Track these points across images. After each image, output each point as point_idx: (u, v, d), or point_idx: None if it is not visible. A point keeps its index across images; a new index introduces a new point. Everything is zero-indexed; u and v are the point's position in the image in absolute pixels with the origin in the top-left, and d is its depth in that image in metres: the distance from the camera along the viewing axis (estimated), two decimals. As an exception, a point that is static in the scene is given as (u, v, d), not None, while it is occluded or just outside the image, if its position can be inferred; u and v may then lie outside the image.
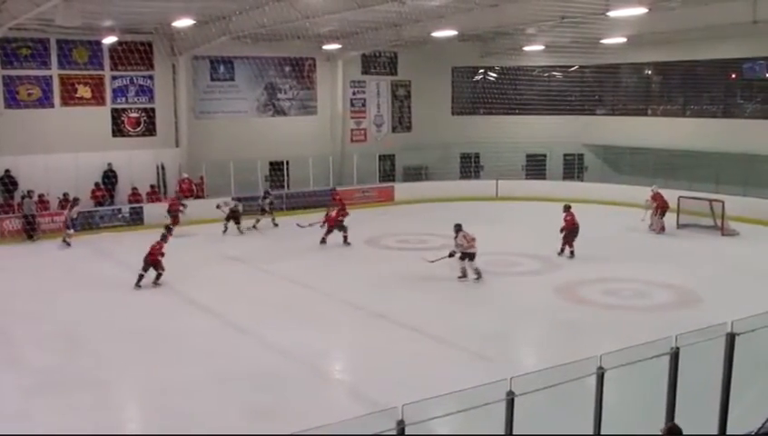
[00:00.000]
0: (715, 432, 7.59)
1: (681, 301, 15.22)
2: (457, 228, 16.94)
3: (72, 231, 21.11)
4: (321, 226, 21.06)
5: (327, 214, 21.63)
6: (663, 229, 22.00)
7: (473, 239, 16.73)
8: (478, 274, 16.75)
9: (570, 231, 18.93)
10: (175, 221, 21.96)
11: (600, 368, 6.53)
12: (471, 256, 16.73)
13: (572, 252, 18.86)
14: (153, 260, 16.59)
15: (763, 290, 15.13)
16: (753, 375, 8.60)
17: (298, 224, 22.06)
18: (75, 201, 21.93)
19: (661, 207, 22.18)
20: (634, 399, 8.83)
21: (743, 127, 25.39)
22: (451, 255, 16.89)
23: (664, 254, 19.56)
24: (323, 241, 20.71)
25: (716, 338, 7.47)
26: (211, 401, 10.36)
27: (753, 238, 21.26)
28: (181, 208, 22.84)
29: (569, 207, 19.35)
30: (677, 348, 7.08)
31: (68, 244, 20.86)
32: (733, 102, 27.31)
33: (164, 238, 17.21)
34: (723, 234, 21.59)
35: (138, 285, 16.33)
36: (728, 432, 7.59)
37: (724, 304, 13.68)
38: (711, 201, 22.17)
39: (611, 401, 6.81)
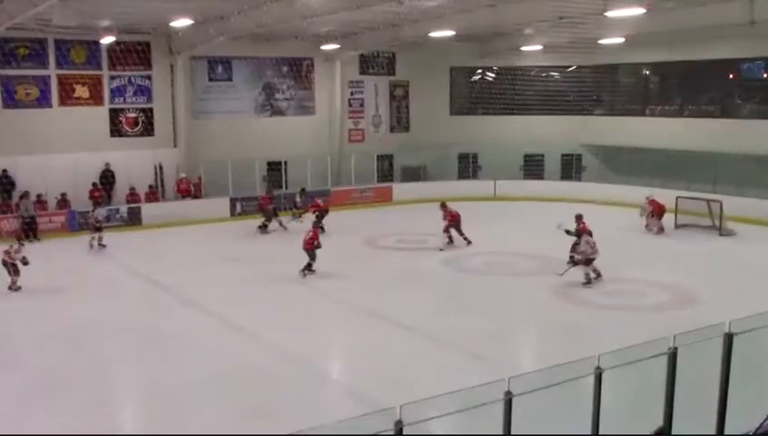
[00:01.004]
0: (713, 432, 7.60)
1: (679, 301, 15.22)
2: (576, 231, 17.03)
3: (99, 234, 20.47)
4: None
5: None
6: (662, 229, 22.01)
7: (594, 244, 16.56)
8: (598, 274, 16.47)
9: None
10: (268, 218, 22.68)
11: (598, 368, 6.53)
12: (590, 261, 16.47)
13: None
14: (309, 247, 17.18)
15: (761, 290, 15.15)
16: (751, 375, 8.60)
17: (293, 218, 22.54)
18: (98, 204, 21.88)
19: (657, 212, 22.19)
20: (631, 399, 8.84)
21: (741, 127, 25.40)
22: (576, 263, 16.60)
23: (662, 255, 19.57)
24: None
25: (714, 338, 7.48)
26: (209, 400, 10.37)
27: (751, 238, 21.28)
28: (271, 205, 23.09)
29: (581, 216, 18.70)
30: (675, 348, 7.09)
31: (103, 246, 20.35)
32: (730, 102, 27.31)
33: (319, 227, 18.14)
34: (720, 234, 21.60)
35: (306, 272, 17.19)
36: (726, 432, 7.60)
37: (722, 304, 13.70)
38: (709, 201, 22.18)
39: (609, 401, 6.81)
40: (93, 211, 21.04)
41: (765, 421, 7.34)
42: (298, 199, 23.88)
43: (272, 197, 23.50)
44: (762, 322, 7.65)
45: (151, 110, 25.70)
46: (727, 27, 21.44)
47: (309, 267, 17.35)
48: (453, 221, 20.31)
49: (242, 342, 12.92)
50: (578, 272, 17.49)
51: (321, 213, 22.44)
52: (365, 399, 10.25)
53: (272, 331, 13.37)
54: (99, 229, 20.53)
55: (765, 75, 26.23)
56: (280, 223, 22.74)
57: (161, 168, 25.47)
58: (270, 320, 14.06)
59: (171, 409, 10.14)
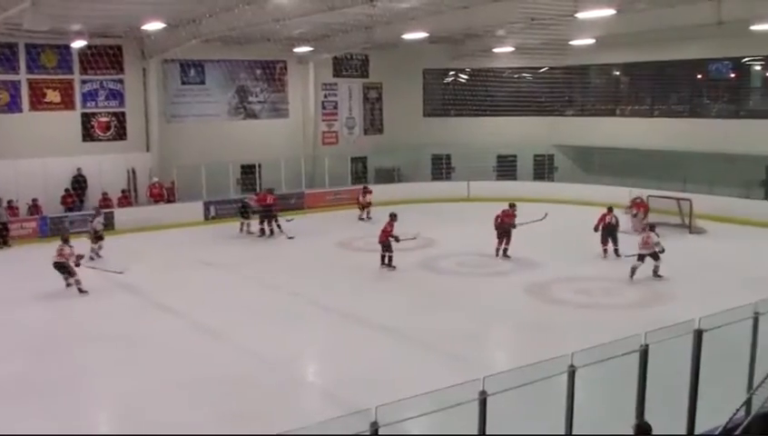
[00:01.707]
0: (684, 428, 7.72)
1: (650, 298, 15.42)
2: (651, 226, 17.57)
3: (99, 244, 19.66)
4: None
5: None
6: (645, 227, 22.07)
7: (647, 239, 16.97)
8: (654, 272, 16.79)
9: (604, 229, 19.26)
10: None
11: (571, 366, 6.60)
12: (644, 257, 16.83)
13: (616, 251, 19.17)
14: (383, 240, 17.86)
15: (730, 287, 15.39)
16: (721, 370, 8.75)
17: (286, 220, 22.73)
18: (98, 211, 20.86)
19: (645, 213, 22.32)
20: (604, 396, 8.95)
21: (709, 127, 25.76)
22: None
23: (632, 252, 19.76)
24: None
25: (684, 335, 7.60)
26: (184, 405, 10.32)
27: (720, 236, 21.61)
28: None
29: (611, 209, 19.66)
30: (646, 345, 7.19)
31: (100, 257, 19.34)
32: (699, 102, 27.71)
33: (394, 217, 18.32)
34: (690, 232, 21.91)
35: (391, 266, 17.88)
36: (696, 427, 7.73)
37: (692, 301, 13.90)
38: (679, 200, 22.49)
39: (583, 398, 6.89)
40: (91, 221, 20.17)
41: (734, 415, 7.47)
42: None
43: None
44: (730, 319, 7.79)
45: (123, 114, 25.49)
46: (695, 28, 21.76)
47: (390, 260, 17.98)
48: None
49: (217, 346, 12.88)
50: (550, 270, 17.72)
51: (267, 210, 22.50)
52: (340, 401, 10.27)
53: (247, 334, 13.34)
54: (100, 238, 19.74)
55: (733, 75, 26.67)
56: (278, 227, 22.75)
57: (133, 172, 25.27)
58: (245, 323, 14.01)
59: (145, 414, 10.07)
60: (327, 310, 15.02)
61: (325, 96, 30.47)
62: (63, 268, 16.16)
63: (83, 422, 10.05)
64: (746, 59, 25.74)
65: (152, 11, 19.83)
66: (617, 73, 30.37)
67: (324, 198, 27.84)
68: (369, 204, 25.40)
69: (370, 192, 25.94)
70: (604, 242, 19.34)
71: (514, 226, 19.04)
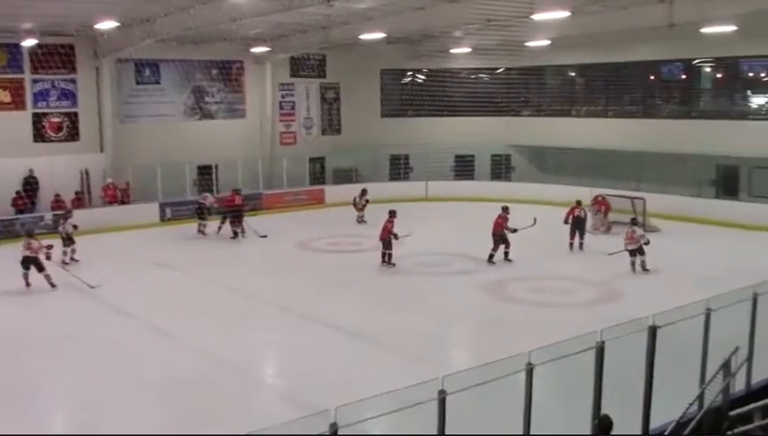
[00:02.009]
0: (639, 423, 7.85)
1: (605, 296, 15.66)
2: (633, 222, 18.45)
3: (72, 247, 19.05)
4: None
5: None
6: (609, 228, 22.42)
7: (631, 234, 17.58)
8: (642, 267, 17.38)
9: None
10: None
11: (529, 364, 6.67)
12: (634, 251, 17.43)
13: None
14: (385, 238, 18.13)
15: (683, 284, 15.72)
16: (674, 366, 8.91)
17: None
18: (68, 213, 20.11)
19: (606, 210, 22.67)
20: (562, 393, 9.06)
21: (662, 127, 26.26)
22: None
23: (588, 251, 20.09)
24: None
25: (639, 331, 7.73)
26: (141, 408, 10.18)
27: (673, 234, 22.02)
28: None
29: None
30: (602, 342, 7.30)
31: (76, 260, 18.89)
32: (651, 102, 28.20)
33: (394, 214, 18.61)
34: (644, 231, 22.24)
35: (390, 264, 18.16)
36: (651, 422, 7.86)
37: (646, 299, 14.15)
38: (632, 199, 22.84)
39: (541, 395, 6.97)
40: (62, 223, 19.38)
41: (688, 409, 7.62)
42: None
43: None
44: (683, 315, 7.95)
45: (76, 114, 25.01)
46: (648, 30, 22.15)
47: (389, 258, 18.20)
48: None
49: (175, 349, 12.73)
50: (507, 269, 17.91)
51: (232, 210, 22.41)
52: (300, 402, 10.21)
53: (205, 336, 13.19)
54: (71, 241, 19.08)
55: (684, 77, 27.21)
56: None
57: (87, 174, 24.81)
58: (203, 325, 13.85)
59: (102, 418, 9.90)
60: (285, 311, 14.93)
61: (282, 97, 30.31)
62: (33, 262, 16.05)
63: (40, 426, 9.83)
64: (697, 61, 26.28)
65: (105, 10, 19.51)
66: (572, 74, 30.78)
67: (282, 199, 27.69)
68: (365, 206, 24.76)
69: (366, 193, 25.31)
70: (571, 236, 20.01)
71: (512, 230, 18.65)
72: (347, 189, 28.74)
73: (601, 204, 22.74)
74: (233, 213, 22.51)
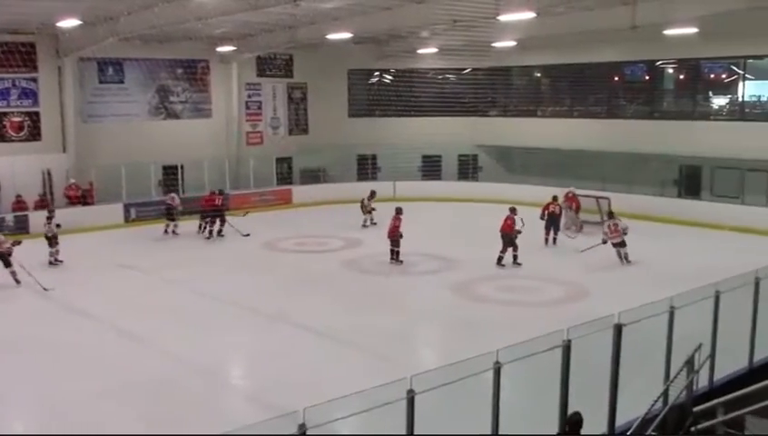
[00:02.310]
0: (605, 419, 7.93)
1: (571, 295, 15.80)
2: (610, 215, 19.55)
3: (56, 248, 18.83)
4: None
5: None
6: (580, 228, 22.59)
7: (614, 227, 18.54)
8: (625, 258, 18.32)
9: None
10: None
11: (497, 363, 6.70)
12: (618, 244, 18.35)
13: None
14: (393, 236, 18.51)
15: (646, 281, 15.93)
16: (639, 363, 9.03)
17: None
18: (51, 212, 19.70)
19: (577, 207, 22.87)
20: (530, 391, 9.12)
21: (626, 127, 26.58)
22: (604, 242, 18.68)
23: (554, 250, 20.29)
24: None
25: (605, 329, 7.80)
26: (104, 413, 10.01)
27: (637, 233, 22.23)
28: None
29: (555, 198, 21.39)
30: (569, 341, 7.36)
31: (60, 261, 18.81)
32: (616, 103, 28.55)
33: (400, 211, 18.93)
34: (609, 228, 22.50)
35: (398, 261, 18.50)
36: (617, 419, 7.94)
37: (611, 297, 14.30)
38: (597, 198, 23.09)
39: (509, 394, 7.00)
40: (47, 223, 19.05)
41: (653, 406, 7.72)
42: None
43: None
44: (648, 313, 8.05)
45: (37, 114, 24.58)
46: (611, 32, 22.42)
47: (397, 256, 18.57)
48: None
49: (140, 351, 12.56)
50: (474, 269, 17.96)
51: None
52: (268, 403, 10.16)
53: (171, 338, 13.06)
54: (56, 241, 18.86)
55: (647, 78, 27.59)
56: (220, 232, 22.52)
57: (49, 174, 24.40)
58: (168, 327, 13.71)
59: (61, 424, 9.73)
60: (252, 312, 14.83)
61: (249, 96, 30.12)
62: (0, 258, 16.49)
63: (4, 430, 9.65)
64: (659, 62, 26.68)
65: (67, 8, 19.21)
66: (538, 74, 31.04)
67: (249, 199, 27.50)
68: (373, 210, 24.17)
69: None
70: (546, 231, 20.71)
71: (517, 233, 18.45)
72: (315, 189, 28.78)
73: (571, 200, 22.92)
74: (214, 213, 22.39)
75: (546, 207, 21.04)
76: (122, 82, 26.61)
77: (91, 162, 24.70)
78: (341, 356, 12.32)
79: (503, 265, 18.20)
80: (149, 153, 25.60)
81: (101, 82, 26.15)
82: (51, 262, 18.67)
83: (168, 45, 26.04)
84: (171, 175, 26.59)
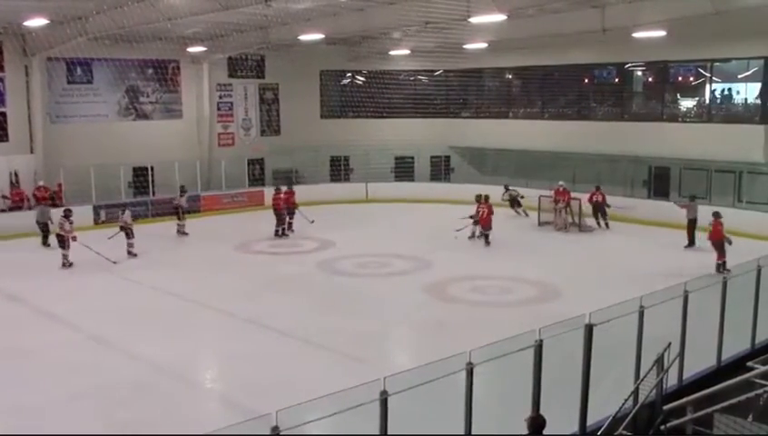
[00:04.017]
0: (577, 419, 7.99)
1: (543, 295, 15.91)
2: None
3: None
4: None
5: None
6: (568, 226, 22.80)
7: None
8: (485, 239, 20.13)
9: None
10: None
11: (469, 363, 6.72)
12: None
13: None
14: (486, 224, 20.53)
15: (617, 281, 16.07)
16: (610, 362, 9.11)
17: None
18: (125, 206, 21.12)
19: (568, 201, 23.01)
20: (503, 391, 9.15)
21: (596, 129, 26.83)
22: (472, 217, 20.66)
23: (526, 251, 20.41)
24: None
25: (576, 329, 7.86)
26: (72, 418, 9.87)
27: (607, 233, 22.56)
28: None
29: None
30: (541, 341, 7.41)
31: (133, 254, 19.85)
32: (586, 105, 28.80)
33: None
34: (580, 230, 22.76)
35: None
36: (588, 417, 8.01)
37: (583, 297, 14.38)
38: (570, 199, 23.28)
39: (482, 394, 7.02)
40: (122, 214, 20.46)
41: (623, 405, 7.79)
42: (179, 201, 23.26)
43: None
44: (618, 313, 8.13)
45: (4, 114, 24.22)
46: (581, 34, 22.59)
47: (486, 238, 20.30)
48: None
49: (111, 355, 12.41)
50: (447, 269, 18.03)
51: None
52: (240, 406, 10.11)
53: (141, 341, 12.92)
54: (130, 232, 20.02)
55: (617, 80, 27.88)
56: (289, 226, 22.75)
57: (16, 175, 24.05)
58: (140, 330, 13.58)
59: (35, 428, 9.58)
60: (224, 314, 14.74)
61: (220, 97, 29.94)
62: (60, 240, 18.43)
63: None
64: (629, 65, 26.96)
65: (35, 7, 18.96)
66: (509, 76, 31.20)
67: (221, 201, 27.34)
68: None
69: None
70: (595, 218, 22.88)
71: (728, 240, 16.98)
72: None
73: (562, 194, 23.06)
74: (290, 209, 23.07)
75: (590, 197, 22.70)
76: (90, 82, 26.31)
77: (59, 163, 24.38)
78: (314, 358, 12.29)
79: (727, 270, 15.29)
80: (119, 155, 25.34)
81: (69, 82, 25.84)
82: (130, 252, 19.78)
83: (138, 45, 25.67)
84: (141, 177, 26.34)
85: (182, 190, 23.68)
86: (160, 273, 18.12)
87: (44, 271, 18.26)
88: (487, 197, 21.31)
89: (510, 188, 25.60)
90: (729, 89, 25.16)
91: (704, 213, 19.71)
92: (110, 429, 9.48)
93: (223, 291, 16.43)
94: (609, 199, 23.28)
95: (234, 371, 12.01)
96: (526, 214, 24.80)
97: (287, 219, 22.64)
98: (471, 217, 21.00)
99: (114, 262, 18.65)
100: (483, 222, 20.77)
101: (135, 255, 19.80)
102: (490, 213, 20.80)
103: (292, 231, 22.77)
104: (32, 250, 20.81)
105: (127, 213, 20.54)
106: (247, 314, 14.53)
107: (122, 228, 20.18)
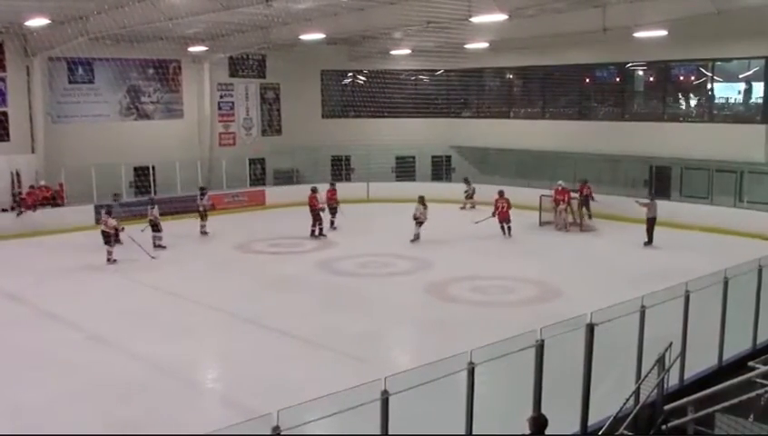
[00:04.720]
0: (578, 418, 7.99)
1: (544, 295, 15.90)
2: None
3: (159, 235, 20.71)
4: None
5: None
6: (568, 225, 22.80)
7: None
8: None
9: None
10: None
11: (470, 363, 6.72)
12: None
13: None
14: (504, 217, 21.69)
15: (619, 281, 16.07)
16: (611, 362, 9.11)
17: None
18: (153, 201, 21.52)
19: (569, 199, 23.01)
20: (504, 391, 9.15)
21: (597, 129, 26.82)
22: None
23: (527, 250, 20.41)
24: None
25: (577, 329, 7.86)
26: (74, 418, 9.88)
27: (608, 233, 22.55)
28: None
29: None
30: (542, 340, 7.41)
31: (162, 246, 20.57)
32: (587, 105, 28.78)
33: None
34: (581, 230, 22.75)
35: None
36: (590, 416, 8.01)
37: (584, 297, 14.40)
38: (569, 198, 23.26)
39: (483, 394, 7.02)
40: (152, 209, 20.80)
41: (624, 404, 7.79)
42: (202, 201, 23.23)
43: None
44: (620, 313, 8.12)
45: (5, 114, 24.21)
46: (582, 34, 22.58)
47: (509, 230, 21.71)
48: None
49: (111, 355, 12.41)
50: (448, 269, 18.01)
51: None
52: (241, 406, 10.11)
53: (143, 341, 12.93)
54: (157, 227, 20.76)
55: (618, 80, 27.86)
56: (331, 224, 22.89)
57: (18, 175, 24.05)
58: (140, 330, 13.59)
59: (35, 428, 9.59)
60: (225, 314, 14.75)
61: (221, 97, 29.94)
62: (105, 237, 18.83)
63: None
64: (630, 64, 26.94)
65: (36, 7, 18.94)
66: (510, 76, 31.18)
67: (222, 200, 27.34)
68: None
69: None
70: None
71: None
72: (288, 190, 28.66)
73: (563, 193, 23.04)
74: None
75: (580, 191, 23.15)
76: (92, 82, 26.32)
77: (60, 163, 24.38)
78: (315, 358, 12.29)
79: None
80: (120, 154, 25.35)
81: (70, 82, 25.83)
82: (156, 245, 20.44)
83: (139, 45, 25.74)
84: (142, 177, 26.36)
85: (203, 191, 23.64)
86: (160, 273, 18.13)
87: (44, 270, 18.26)
88: (502, 193, 22.36)
89: (469, 181, 26.11)
90: (730, 88, 25.13)
91: (708, 212, 19.83)
92: (110, 429, 9.49)
93: (224, 290, 16.44)
94: (611, 199, 23.29)
95: (235, 370, 12.01)
96: (473, 207, 25.76)
97: (329, 218, 22.47)
98: (493, 214, 22.30)
99: (153, 257, 19.30)
100: (502, 216, 22.03)
101: (164, 248, 20.49)
102: (509, 207, 22.06)
103: (335, 229, 22.75)
104: (35, 246, 20.83)
105: (156, 208, 21.02)
106: (247, 314, 14.53)
107: (150, 222, 20.71)
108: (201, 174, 27.47)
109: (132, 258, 19.64)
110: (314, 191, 22.78)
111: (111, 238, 19.04)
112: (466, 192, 26.93)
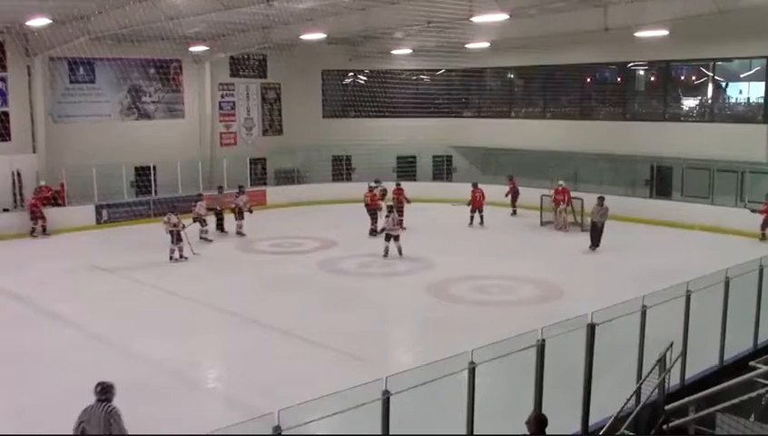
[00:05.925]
0: (579, 418, 7.99)
1: (544, 295, 15.89)
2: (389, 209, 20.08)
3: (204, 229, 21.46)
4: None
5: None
6: (568, 225, 22.79)
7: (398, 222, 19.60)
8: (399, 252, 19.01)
9: None
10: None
11: (471, 363, 6.72)
12: (395, 237, 19.05)
13: None
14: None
15: (618, 281, 16.08)
16: (613, 362, 9.11)
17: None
18: (199, 196, 22.29)
19: (569, 201, 22.97)
20: (506, 390, 9.15)
21: (598, 128, 26.81)
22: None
23: (528, 250, 20.40)
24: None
25: (578, 329, 7.86)
26: (73, 418, 9.82)
27: (609, 233, 22.47)
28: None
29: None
30: (543, 340, 7.41)
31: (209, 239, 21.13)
32: (588, 104, 28.76)
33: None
34: (582, 230, 22.72)
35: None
36: (591, 415, 8.01)
37: (584, 296, 14.43)
38: (571, 198, 23.25)
39: (485, 393, 7.02)
40: (194, 205, 21.57)
41: (625, 404, 7.78)
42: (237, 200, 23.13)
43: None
44: (620, 313, 8.12)
45: (6, 114, 24.20)
46: (583, 34, 22.55)
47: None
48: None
49: (111, 355, 12.39)
50: (448, 269, 17.98)
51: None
52: (242, 405, 10.11)
53: (144, 341, 12.93)
54: (203, 222, 21.45)
55: (619, 79, 27.85)
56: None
57: (18, 175, 24.06)
58: (141, 330, 13.58)
59: (36, 427, 9.59)
60: (226, 313, 14.75)
61: (222, 96, 29.95)
62: (171, 234, 18.97)
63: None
64: (631, 64, 26.93)
65: (37, 6, 18.94)
66: (511, 76, 31.18)
67: (223, 200, 27.21)
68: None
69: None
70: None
71: None
72: (289, 190, 28.67)
73: (562, 193, 23.02)
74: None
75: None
76: (93, 82, 26.31)
77: (61, 162, 24.38)
78: (316, 357, 12.28)
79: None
80: (121, 154, 25.34)
81: (71, 81, 25.82)
82: (203, 238, 21.26)
83: (140, 45, 25.74)
84: (143, 176, 26.36)
85: (240, 189, 23.58)
86: (161, 273, 18.12)
87: (45, 270, 18.27)
88: (476, 184, 23.81)
89: (380, 182, 25.10)
90: (732, 88, 25.11)
91: (709, 212, 19.77)
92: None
93: (225, 290, 16.44)
94: (614, 198, 23.27)
95: (236, 370, 12.01)
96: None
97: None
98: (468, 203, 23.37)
99: (196, 254, 19.49)
100: (476, 205, 23.35)
101: (211, 241, 21.34)
102: (483, 198, 23.44)
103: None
104: (36, 246, 20.84)
105: (200, 203, 21.62)
106: (248, 313, 14.53)
107: (194, 219, 21.07)
108: (203, 174, 27.44)
109: (134, 258, 19.67)
110: (371, 189, 22.92)
111: (174, 236, 19.05)
112: (370, 187, 24.33)
